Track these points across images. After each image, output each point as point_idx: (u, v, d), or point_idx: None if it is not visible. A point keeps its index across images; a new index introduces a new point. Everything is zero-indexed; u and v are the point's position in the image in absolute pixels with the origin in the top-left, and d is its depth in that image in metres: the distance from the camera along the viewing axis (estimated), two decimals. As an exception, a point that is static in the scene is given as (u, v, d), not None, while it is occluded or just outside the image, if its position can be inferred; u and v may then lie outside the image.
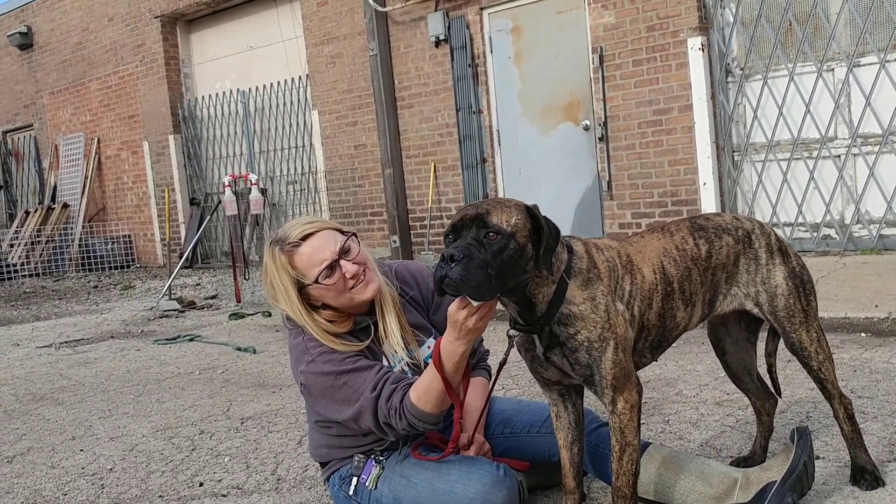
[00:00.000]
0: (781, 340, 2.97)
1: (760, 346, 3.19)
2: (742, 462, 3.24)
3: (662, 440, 3.74)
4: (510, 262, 2.39)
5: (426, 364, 2.99)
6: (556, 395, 2.78)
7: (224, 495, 3.60)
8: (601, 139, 9.10)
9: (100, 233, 15.40)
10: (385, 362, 2.93)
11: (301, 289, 2.86)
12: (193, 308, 9.64)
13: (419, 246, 10.93)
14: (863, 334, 5.42)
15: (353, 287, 2.85)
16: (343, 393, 2.80)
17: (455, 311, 2.52)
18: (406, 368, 2.95)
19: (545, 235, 2.42)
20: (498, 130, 10.12)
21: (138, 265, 15.37)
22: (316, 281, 2.82)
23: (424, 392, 2.68)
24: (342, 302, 2.88)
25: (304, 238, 2.84)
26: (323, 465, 3.13)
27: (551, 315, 2.52)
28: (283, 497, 3.51)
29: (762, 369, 3.24)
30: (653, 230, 2.88)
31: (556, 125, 9.63)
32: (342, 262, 2.84)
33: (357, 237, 2.93)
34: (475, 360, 3.22)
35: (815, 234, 8.11)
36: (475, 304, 2.47)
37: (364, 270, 2.88)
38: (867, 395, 4.07)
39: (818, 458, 3.26)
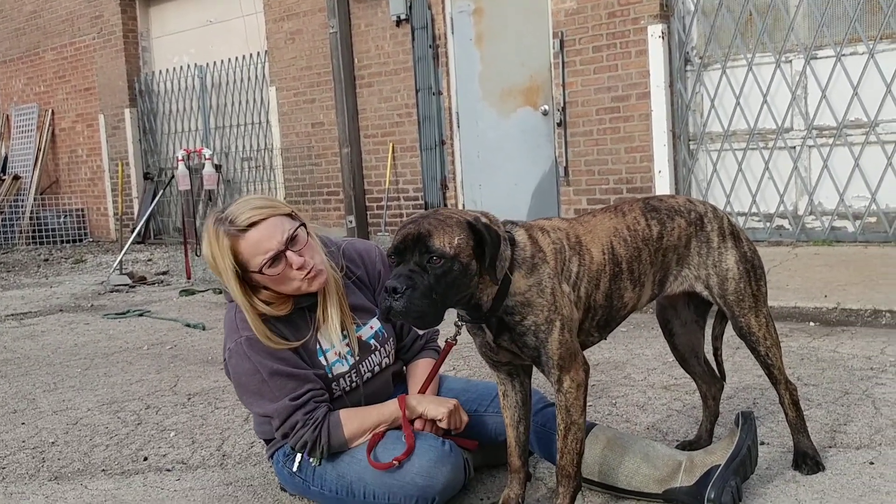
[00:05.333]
0: (729, 325, 2.99)
1: (708, 331, 3.21)
2: (688, 446, 3.25)
3: (609, 423, 3.76)
4: (454, 283, 2.40)
5: (361, 341, 2.97)
6: (505, 374, 2.78)
7: (168, 470, 3.56)
8: (559, 125, 9.09)
9: (52, 206, 15.14)
10: (318, 346, 2.90)
11: (242, 273, 2.80)
12: (144, 283, 9.52)
13: (376, 227, 10.88)
14: (812, 324, 5.48)
15: (301, 279, 2.79)
16: (263, 388, 2.81)
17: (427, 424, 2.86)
18: (337, 357, 2.92)
19: (488, 249, 2.41)
20: (457, 113, 10.07)
21: (91, 239, 15.15)
22: (259, 271, 2.76)
23: (358, 430, 2.83)
24: (284, 290, 2.83)
25: (251, 225, 2.75)
26: (267, 441, 3.09)
27: (496, 309, 2.52)
28: (227, 473, 3.47)
29: (710, 355, 3.27)
30: (605, 210, 2.87)
31: (515, 109, 9.61)
32: (288, 252, 2.76)
33: (307, 227, 2.85)
34: (423, 342, 3.19)
35: (768, 224, 8.18)
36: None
37: (312, 266, 2.81)
38: (813, 382, 4.12)
39: (762, 443, 3.29)
